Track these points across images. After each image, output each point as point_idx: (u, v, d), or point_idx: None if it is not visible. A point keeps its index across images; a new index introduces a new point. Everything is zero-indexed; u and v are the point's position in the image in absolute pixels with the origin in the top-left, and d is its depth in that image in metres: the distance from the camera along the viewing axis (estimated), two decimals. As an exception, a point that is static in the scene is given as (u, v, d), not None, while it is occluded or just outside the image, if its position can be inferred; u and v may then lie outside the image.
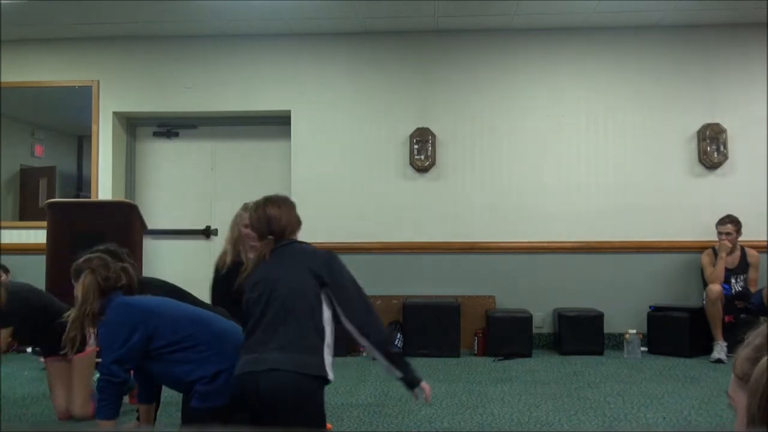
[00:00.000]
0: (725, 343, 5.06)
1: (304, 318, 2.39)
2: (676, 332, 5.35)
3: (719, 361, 4.98)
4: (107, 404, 2.62)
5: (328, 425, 3.32)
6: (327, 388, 3.52)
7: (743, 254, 5.42)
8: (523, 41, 5.96)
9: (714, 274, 5.28)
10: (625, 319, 5.66)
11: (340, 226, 5.92)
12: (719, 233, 5.37)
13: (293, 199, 5.91)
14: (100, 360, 2.79)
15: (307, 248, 2.58)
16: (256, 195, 6.87)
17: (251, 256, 2.67)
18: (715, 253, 5.39)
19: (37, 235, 5.83)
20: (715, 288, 5.15)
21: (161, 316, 2.72)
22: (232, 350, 2.70)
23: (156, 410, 3.09)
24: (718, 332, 5.12)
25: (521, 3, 5.36)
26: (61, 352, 2.84)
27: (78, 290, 2.75)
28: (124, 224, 4.85)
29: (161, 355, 2.67)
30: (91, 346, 3.62)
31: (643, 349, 5.38)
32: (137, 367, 2.76)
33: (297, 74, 6.07)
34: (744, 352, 1.13)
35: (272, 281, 2.44)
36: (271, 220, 2.55)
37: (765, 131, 5.75)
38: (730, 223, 5.34)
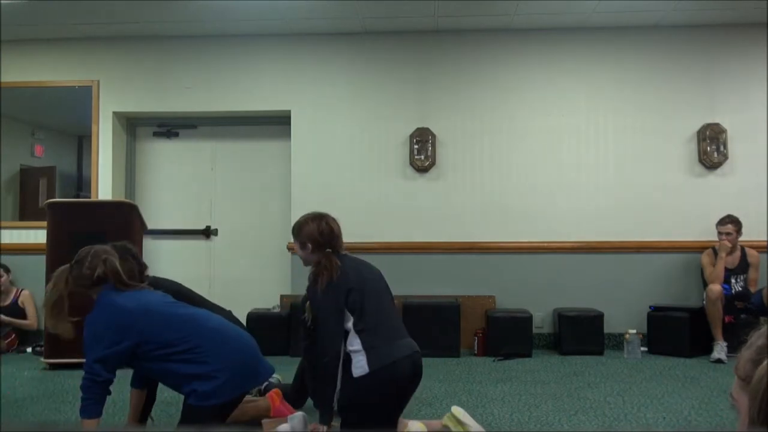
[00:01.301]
0: (725, 343, 5.06)
1: (396, 309, 2.96)
2: (676, 332, 5.34)
3: (719, 361, 4.98)
4: (91, 403, 2.61)
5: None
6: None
7: (743, 254, 5.42)
8: (523, 41, 5.96)
9: (714, 274, 5.28)
10: (625, 319, 5.67)
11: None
12: (719, 233, 5.37)
13: (294, 199, 5.92)
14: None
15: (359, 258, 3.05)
16: (256, 195, 6.90)
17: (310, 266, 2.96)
18: (715, 253, 5.39)
19: (37, 235, 5.83)
20: (716, 288, 5.15)
21: (152, 318, 2.70)
22: (226, 349, 2.72)
23: (150, 407, 3.09)
24: (718, 332, 5.11)
25: (521, 3, 5.36)
26: None
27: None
28: (124, 224, 4.85)
29: (155, 356, 2.67)
30: None
31: (643, 349, 5.38)
32: (131, 364, 2.76)
33: (297, 74, 6.07)
34: (747, 353, 1.13)
35: (371, 282, 2.86)
36: (335, 236, 2.90)
37: (765, 131, 5.76)
38: (731, 223, 5.34)
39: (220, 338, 2.74)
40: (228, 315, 3.47)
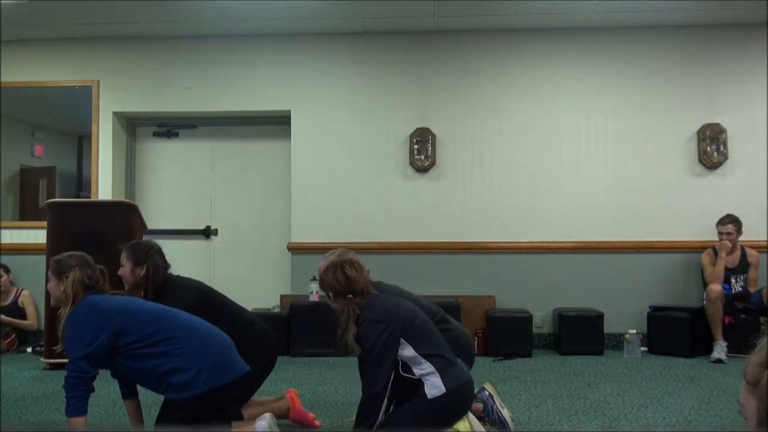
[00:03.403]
0: (725, 343, 5.06)
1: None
2: (676, 332, 5.34)
3: (719, 361, 4.98)
4: (78, 401, 2.64)
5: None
6: (326, 387, 3.53)
7: (743, 254, 5.41)
8: (523, 41, 5.96)
9: (714, 273, 5.28)
10: (625, 319, 5.67)
11: (339, 226, 5.93)
12: (720, 233, 5.37)
13: (294, 199, 5.90)
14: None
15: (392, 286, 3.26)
16: (256, 195, 6.88)
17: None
18: (715, 252, 5.39)
19: (37, 235, 5.83)
20: (716, 288, 5.14)
21: (128, 314, 2.75)
22: (202, 345, 2.76)
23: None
24: (718, 332, 5.11)
25: (521, 3, 5.36)
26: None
27: (67, 288, 2.77)
28: (124, 224, 4.85)
29: (131, 351, 2.70)
30: None
31: (643, 349, 5.38)
32: (111, 365, 2.77)
33: (297, 74, 6.07)
34: (755, 357, 1.12)
35: (417, 310, 2.93)
36: (352, 282, 2.87)
37: (765, 131, 5.76)
38: (731, 223, 5.33)
39: (192, 332, 2.78)
40: (252, 318, 3.47)
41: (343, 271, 2.90)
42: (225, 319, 3.11)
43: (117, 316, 2.71)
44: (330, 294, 2.93)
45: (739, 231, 5.35)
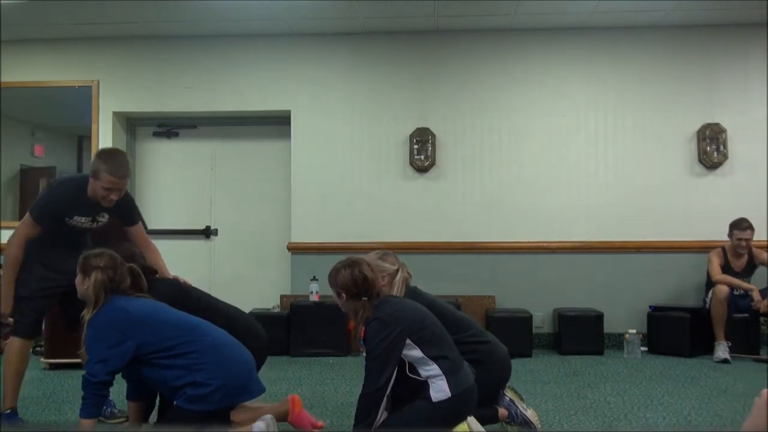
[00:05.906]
0: (728, 343, 5.04)
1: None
2: (676, 332, 5.34)
3: (726, 361, 4.96)
4: (87, 403, 2.63)
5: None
6: (326, 387, 3.52)
7: (750, 256, 5.34)
8: (523, 41, 5.96)
9: (728, 281, 5.22)
10: (625, 319, 5.67)
11: (339, 226, 5.93)
12: (739, 239, 5.24)
13: (294, 199, 5.89)
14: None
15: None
16: (256, 195, 6.86)
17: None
18: (725, 252, 5.34)
19: (37, 235, 5.82)
20: (724, 288, 5.12)
21: (154, 323, 2.72)
22: (224, 361, 2.73)
23: (149, 412, 3.09)
24: (720, 332, 5.10)
25: (521, 3, 5.36)
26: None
27: (89, 289, 2.74)
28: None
29: (152, 360, 2.68)
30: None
31: (643, 348, 5.39)
32: (127, 366, 2.76)
33: (297, 74, 6.07)
34: None
35: (426, 313, 2.89)
36: (369, 283, 2.83)
37: (765, 131, 5.76)
38: (749, 228, 5.23)
39: (217, 349, 2.75)
40: (243, 317, 3.47)
41: (361, 270, 2.85)
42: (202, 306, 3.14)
43: (142, 324, 2.69)
44: (343, 294, 2.86)
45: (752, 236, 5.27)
